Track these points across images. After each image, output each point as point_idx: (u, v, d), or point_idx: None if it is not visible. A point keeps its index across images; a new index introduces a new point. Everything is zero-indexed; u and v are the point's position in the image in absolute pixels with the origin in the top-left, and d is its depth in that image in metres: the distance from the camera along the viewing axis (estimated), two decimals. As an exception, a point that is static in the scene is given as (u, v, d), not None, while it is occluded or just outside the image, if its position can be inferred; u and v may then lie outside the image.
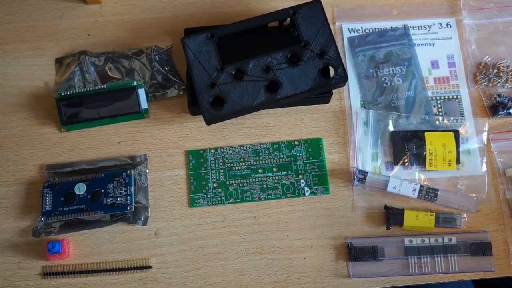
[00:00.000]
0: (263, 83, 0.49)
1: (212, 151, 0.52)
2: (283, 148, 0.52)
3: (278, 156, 0.52)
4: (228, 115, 0.49)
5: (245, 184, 0.51)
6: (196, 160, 0.52)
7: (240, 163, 0.52)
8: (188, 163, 0.52)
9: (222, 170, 0.51)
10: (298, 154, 0.52)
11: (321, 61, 0.50)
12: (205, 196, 0.51)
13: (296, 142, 0.52)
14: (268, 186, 0.51)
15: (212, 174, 0.51)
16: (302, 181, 0.51)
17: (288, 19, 0.52)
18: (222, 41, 0.51)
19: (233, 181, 0.51)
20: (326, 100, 0.53)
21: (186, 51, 0.50)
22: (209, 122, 0.49)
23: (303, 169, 0.52)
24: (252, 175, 0.51)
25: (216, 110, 0.49)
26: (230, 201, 0.51)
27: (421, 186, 0.49)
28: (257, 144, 0.52)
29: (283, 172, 0.51)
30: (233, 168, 0.52)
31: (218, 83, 0.49)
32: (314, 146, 0.52)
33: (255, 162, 0.52)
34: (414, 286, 0.49)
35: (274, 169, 0.52)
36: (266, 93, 0.49)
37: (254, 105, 0.49)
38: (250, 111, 0.50)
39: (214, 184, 0.51)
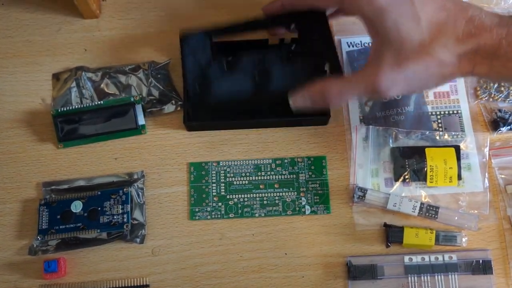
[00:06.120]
0: (257, 89, 0.50)
1: (214, 164, 0.52)
2: (286, 164, 0.52)
3: (280, 173, 0.51)
4: (214, 112, 0.51)
5: (246, 199, 0.51)
6: (198, 173, 0.51)
7: (242, 178, 0.51)
8: (189, 175, 0.51)
9: (223, 184, 0.51)
10: (300, 171, 0.51)
11: (323, 74, 0.49)
12: (205, 209, 0.50)
13: (299, 159, 0.52)
14: (268, 202, 0.50)
15: (213, 188, 0.51)
16: (303, 198, 0.51)
17: (290, 38, 0.52)
18: (221, 51, 0.51)
19: (234, 195, 0.51)
20: (324, 122, 0.52)
21: (183, 48, 0.50)
22: (190, 119, 0.51)
23: (305, 186, 0.51)
24: (253, 191, 0.51)
25: (203, 109, 0.50)
26: (230, 215, 0.50)
27: (422, 203, 0.49)
28: (259, 159, 0.52)
29: (284, 189, 0.51)
30: (234, 183, 0.51)
31: (210, 81, 0.50)
32: (317, 164, 0.52)
33: (256, 177, 0.51)
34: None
35: (275, 186, 0.51)
36: (261, 101, 0.50)
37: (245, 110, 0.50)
38: (238, 115, 0.51)
39: (215, 198, 0.51)
